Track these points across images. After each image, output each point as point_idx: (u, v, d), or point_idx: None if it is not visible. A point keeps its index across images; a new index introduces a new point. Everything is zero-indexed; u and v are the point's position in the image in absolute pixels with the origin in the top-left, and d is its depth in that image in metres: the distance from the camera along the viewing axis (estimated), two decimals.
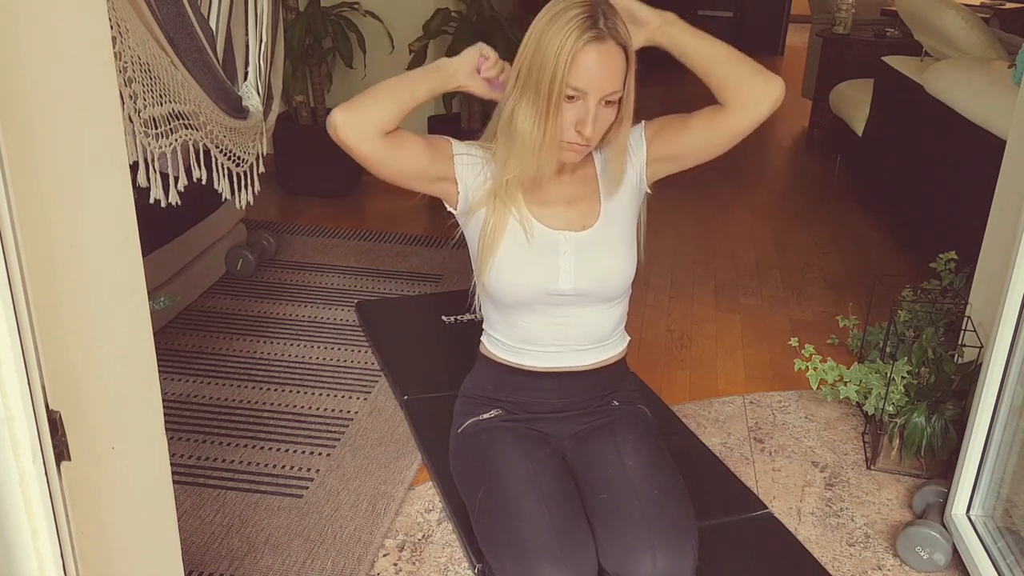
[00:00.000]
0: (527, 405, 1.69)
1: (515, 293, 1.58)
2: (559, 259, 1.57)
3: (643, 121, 1.61)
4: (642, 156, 1.61)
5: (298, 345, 2.61)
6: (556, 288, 1.57)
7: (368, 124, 1.43)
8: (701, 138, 1.57)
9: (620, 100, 1.48)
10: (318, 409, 2.28)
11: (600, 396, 1.71)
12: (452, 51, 3.61)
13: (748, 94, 1.51)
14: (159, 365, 1.02)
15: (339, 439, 2.15)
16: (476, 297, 1.71)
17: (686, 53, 1.53)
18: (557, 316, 1.62)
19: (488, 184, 1.56)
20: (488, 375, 1.72)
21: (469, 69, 1.51)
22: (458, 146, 1.57)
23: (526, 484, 1.52)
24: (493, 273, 1.57)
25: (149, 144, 1.57)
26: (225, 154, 2.03)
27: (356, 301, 2.87)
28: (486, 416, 1.69)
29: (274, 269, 3.14)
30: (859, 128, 4.09)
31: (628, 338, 1.76)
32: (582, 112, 1.43)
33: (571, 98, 1.42)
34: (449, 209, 1.62)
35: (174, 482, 1.23)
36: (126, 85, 1.45)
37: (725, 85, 1.51)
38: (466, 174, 1.56)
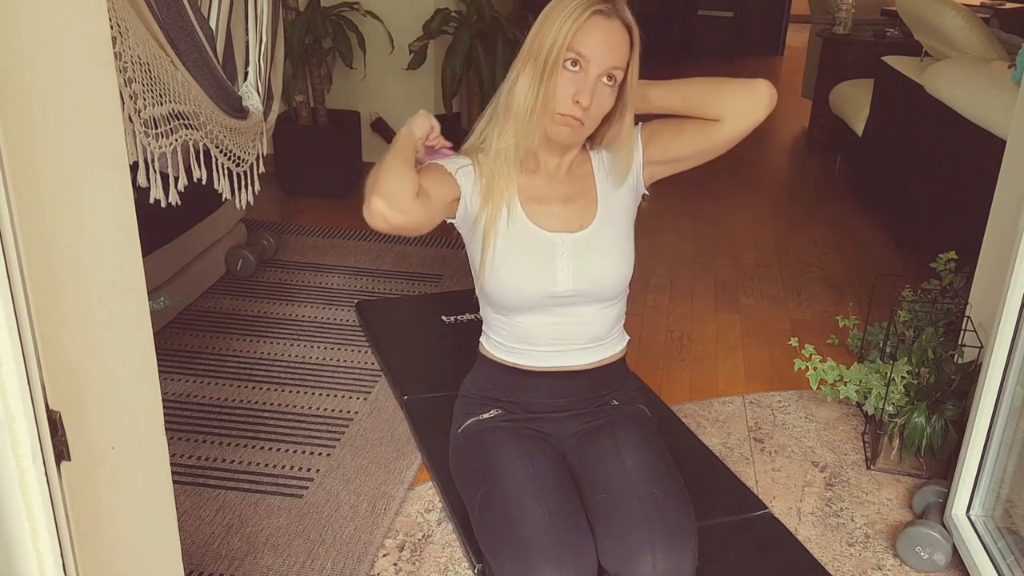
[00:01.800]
0: (527, 405, 1.69)
1: (514, 297, 1.59)
2: (557, 261, 1.57)
3: (639, 123, 1.62)
4: (639, 158, 1.61)
5: (298, 345, 2.61)
6: (555, 290, 1.58)
7: (403, 195, 1.41)
8: (696, 145, 1.58)
9: (622, 86, 1.49)
10: (318, 409, 2.28)
11: (600, 396, 1.71)
12: (452, 51, 3.61)
13: (736, 107, 1.53)
14: (159, 365, 1.02)
15: (339, 439, 2.15)
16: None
17: (666, 106, 1.57)
18: (555, 316, 1.62)
19: (483, 185, 1.57)
20: (488, 375, 1.73)
21: (422, 135, 1.55)
22: (449, 164, 1.57)
23: (526, 484, 1.52)
24: (491, 278, 1.58)
25: (149, 144, 1.57)
26: (225, 154, 2.03)
27: (356, 301, 2.87)
28: (486, 416, 1.69)
29: (274, 269, 3.14)
30: (859, 128, 4.09)
31: (627, 337, 1.76)
32: (581, 83, 1.44)
33: (574, 63, 1.44)
34: (450, 221, 1.62)
35: (174, 482, 1.23)
36: (126, 85, 1.45)
37: (712, 109, 1.53)
38: (465, 185, 1.56)
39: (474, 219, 1.58)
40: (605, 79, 1.46)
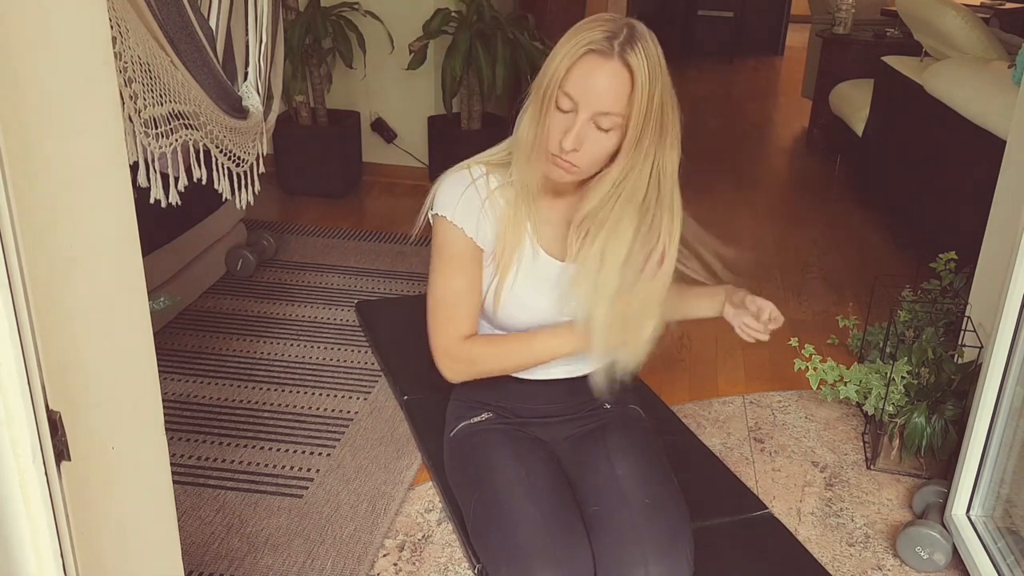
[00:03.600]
0: (518, 410, 1.68)
1: (514, 323, 1.57)
2: (563, 291, 1.54)
3: None
4: None
5: (298, 345, 2.61)
6: (559, 319, 1.55)
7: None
8: None
9: (625, 129, 1.38)
10: (318, 409, 2.28)
11: (592, 400, 1.69)
12: (452, 51, 3.61)
13: None
14: (159, 365, 1.02)
15: (339, 439, 2.15)
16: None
17: None
18: None
19: (498, 216, 1.54)
20: (480, 379, 1.71)
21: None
22: (468, 226, 1.53)
23: (519, 486, 1.51)
24: (493, 302, 1.56)
25: (149, 144, 1.57)
26: (225, 154, 2.03)
27: (356, 301, 2.87)
28: (476, 420, 1.69)
29: (274, 269, 3.14)
30: (859, 128, 4.09)
31: None
32: (570, 124, 1.36)
33: (564, 105, 1.36)
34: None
35: (174, 482, 1.23)
36: (126, 85, 1.45)
37: None
38: (484, 237, 1.54)
39: (490, 249, 1.56)
40: (598, 125, 1.36)
